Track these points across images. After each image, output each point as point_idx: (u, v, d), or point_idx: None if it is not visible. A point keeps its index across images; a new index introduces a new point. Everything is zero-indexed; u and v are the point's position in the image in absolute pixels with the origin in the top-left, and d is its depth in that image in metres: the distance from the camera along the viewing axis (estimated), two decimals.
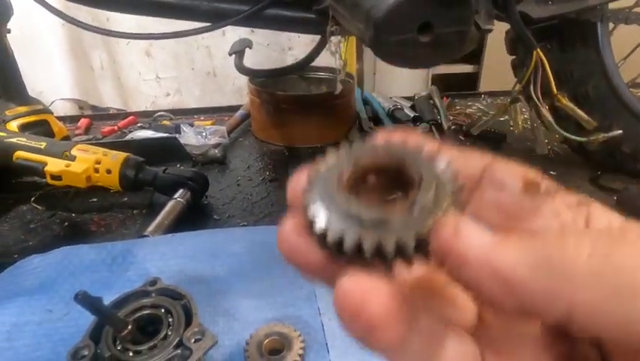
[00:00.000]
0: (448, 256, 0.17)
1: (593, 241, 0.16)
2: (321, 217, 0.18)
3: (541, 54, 0.61)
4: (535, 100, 0.67)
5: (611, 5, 0.72)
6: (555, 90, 0.66)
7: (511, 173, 0.20)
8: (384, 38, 0.33)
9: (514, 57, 0.84)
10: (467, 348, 0.19)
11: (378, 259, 0.17)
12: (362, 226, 0.17)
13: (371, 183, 0.21)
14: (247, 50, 1.15)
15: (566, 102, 0.67)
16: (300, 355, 0.48)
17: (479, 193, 0.21)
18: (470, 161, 0.21)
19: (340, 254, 0.18)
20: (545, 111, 0.67)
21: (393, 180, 0.20)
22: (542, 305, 0.15)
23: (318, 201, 0.18)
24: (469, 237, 0.17)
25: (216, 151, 1.01)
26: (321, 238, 0.18)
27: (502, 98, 1.44)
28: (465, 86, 2.35)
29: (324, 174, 0.20)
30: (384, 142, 0.21)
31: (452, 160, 0.19)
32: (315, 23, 0.59)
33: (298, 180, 0.20)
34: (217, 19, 0.65)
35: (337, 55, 0.62)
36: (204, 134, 1.05)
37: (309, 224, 0.18)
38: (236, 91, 2.26)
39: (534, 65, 0.62)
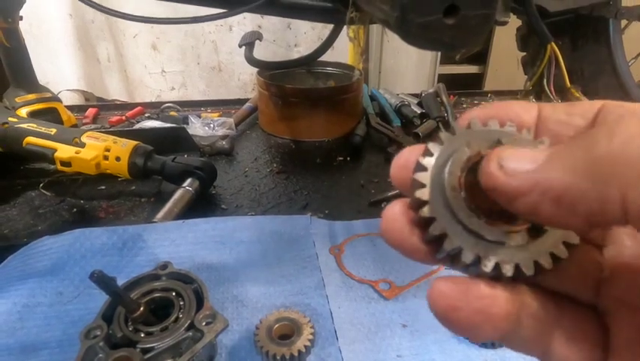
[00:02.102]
0: (499, 194, 0.17)
1: None
2: (439, 223, 0.18)
3: (555, 47, 0.61)
4: (548, 93, 0.67)
5: (625, 2, 0.72)
6: (569, 84, 0.66)
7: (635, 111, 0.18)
8: (410, 19, 0.33)
9: (524, 54, 0.84)
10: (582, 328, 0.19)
11: (493, 278, 0.18)
12: (482, 244, 0.18)
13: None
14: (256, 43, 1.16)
15: (579, 96, 0.67)
16: (309, 340, 0.48)
17: None
18: (578, 110, 0.20)
19: (454, 263, 0.18)
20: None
21: None
22: (598, 212, 0.14)
23: (432, 202, 0.18)
24: (515, 167, 0.16)
25: (224, 143, 1.01)
26: (436, 242, 0.18)
27: (508, 97, 1.44)
28: (469, 86, 2.35)
29: (436, 165, 0.19)
30: (495, 126, 0.20)
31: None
32: (332, 11, 0.60)
33: (402, 163, 0.20)
34: (232, 5, 0.65)
35: (356, 41, 0.62)
36: (212, 125, 1.05)
37: (423, 223, 0.19)
38: (241, 86, 2.27)
39: (547, 59, 0.62)
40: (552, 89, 0.67)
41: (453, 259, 0.18)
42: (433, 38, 0.33)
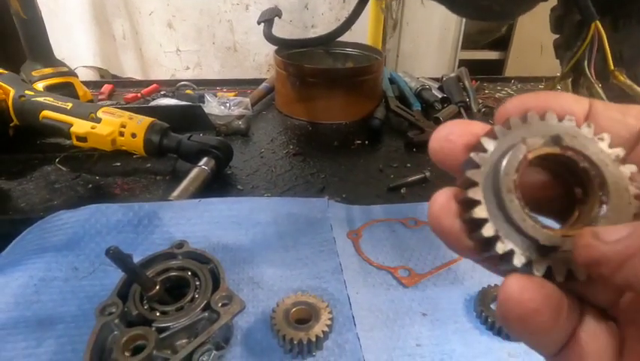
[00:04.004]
0: (598, 264, 0.16)
1: None
2: (491, 225, 0.18)
3: (600, 27, 0.57)
4: (589, 76, 0.63)
5: None
6: (612, 66, 0.62)
7: None
8: None
9: (557, 36, 0.79)
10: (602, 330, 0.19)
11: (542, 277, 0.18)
12: (534, 247, 0.18)
13: (537, 168, 0.20)
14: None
15: (624, 79, 0.63)
16: (328, 325, 0.47)
17: None
18: (632, 112, 0.19)
19: (501, 263, 0.18)
20: (599, 89, 0.63)
21: (565, 170, 0.20)
22: None
23: (485, 203, 0.18)
24: (609, 237, 0.16)
25: (240, 122, 0.99)
26: (486, 242, 0.18)
27: (532, 84, 1.39)
28: (489, 72, 2.29)
29: (490, 163, 0.18)
30: (553, 119, 0.19)
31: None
32: None
33: (443, 136, 0.20)
34: None
35: (389, 13, 0.59)
36: (228, 104, 1.03)
37: (474, 223, 0.18)
38: (256, 67, 2.24)
39: (590, 39, 0.58)
40: (593, 71, 0.63)
41: (501, 259, 0.18)
42: (483, 5, 0.30)
